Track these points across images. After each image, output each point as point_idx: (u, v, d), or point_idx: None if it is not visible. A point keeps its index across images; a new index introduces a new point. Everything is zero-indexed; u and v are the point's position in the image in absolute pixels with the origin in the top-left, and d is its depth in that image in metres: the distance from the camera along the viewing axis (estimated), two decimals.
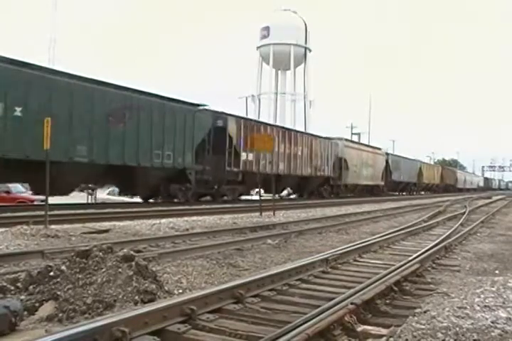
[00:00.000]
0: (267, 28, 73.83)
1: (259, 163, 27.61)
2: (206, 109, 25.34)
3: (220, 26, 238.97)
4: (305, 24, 74.98)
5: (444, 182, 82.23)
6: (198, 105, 24.77)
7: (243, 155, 26.95)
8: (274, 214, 18.64)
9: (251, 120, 30.80)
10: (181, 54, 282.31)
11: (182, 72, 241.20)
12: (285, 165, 31.37)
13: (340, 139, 41.93)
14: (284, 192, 39.83)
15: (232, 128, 26.22)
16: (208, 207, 21.35)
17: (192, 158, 23.37)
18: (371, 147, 50.62)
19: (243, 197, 30.95)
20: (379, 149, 52.83)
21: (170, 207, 19.90)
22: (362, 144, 49.06)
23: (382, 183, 50.73)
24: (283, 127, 34.87)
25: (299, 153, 33.45)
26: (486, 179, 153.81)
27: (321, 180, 38.01)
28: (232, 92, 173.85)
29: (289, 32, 71.80)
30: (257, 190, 31.22)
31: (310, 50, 76.23)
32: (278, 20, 73.33)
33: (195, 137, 23.45)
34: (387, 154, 54.45)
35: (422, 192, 73.12)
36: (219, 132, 25.33)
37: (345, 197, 40.67)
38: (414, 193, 66.35)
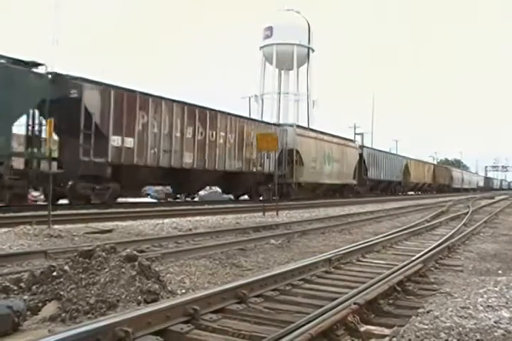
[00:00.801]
0: (270, 28, 73.72)
1: (146, 151, 20.80)
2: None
3: (223, 26, 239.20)
4: (308, 24, 74.86)
5: (437, 181, 75.12)
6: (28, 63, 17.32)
7: (114, 140, 19.48)
8: (277, 214, 18.65)
9: (128, 90, 20.52)
10: (183, 54, 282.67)
11: (184, 72, 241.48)
12: (195, 157, 23.65)
13: (291, 126, 33.35)
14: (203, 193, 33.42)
15: (91, 99, 18.69)
16: (210, 207, 21.36)
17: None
18: (339, 138, 40.73)
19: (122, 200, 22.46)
20: (351, 141, 44.66)
21: (173, 207, 19.91)
22: (325, 134, 37.72)
23: (354, 182, 42.26)
24: (192, 104, 24.26)
25: (221, 140, 25.65)
26: (487, 178, 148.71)
27: (261, 177, 29.45)
28: (235, 92, 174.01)
29: (292, 32, 71.67)
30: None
31: (313, 50, 76.09)
32: (281, 20, 73.21)
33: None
34: (361, 147, 46.67)
35: (411, 193, 66.49)
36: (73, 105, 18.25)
37: (300, 199, 31.22)
38: (400, 194, 57.75)
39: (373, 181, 48.64)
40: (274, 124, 32.42)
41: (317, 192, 37.94)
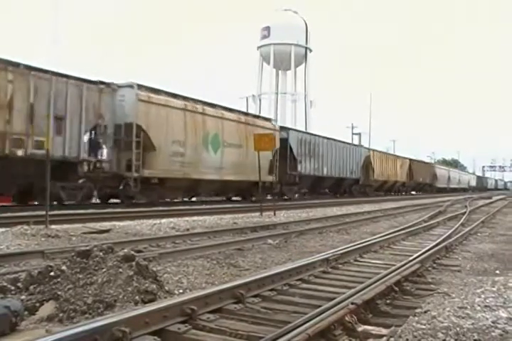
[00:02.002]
0: (268, 28, 73.96)
1: None
2: None
3: (221, 26, 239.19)
4: (306, 24, 75.07)
5: (414, 179, 63.04)
6: None
7: None
8: (274, 214, 18.65)
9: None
10: (180, 54, 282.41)
11: (181, 71, 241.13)
12: None
13: (130, 86, 20.89)
14: None
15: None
16: (208, 207, 21.37)
17: None
18: (240, 113, 29.04)
19: None
20: (265, 120, 31.34)
21: (170, 207, 19.91)
22: (208, 104, 25.65)
23: (271, 179, 28.22)
24: None
25: None
26: (480, 177, 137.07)
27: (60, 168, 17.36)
28: (233, 92, 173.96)
29: (290, 32, 71.92)
30: None
31: (311, 50, 76.33)
32: (279, 21, 73.46)
33: None
34: (285, 129, 33.42)
35: (394, 195, 56.01)
36: None
37: (148, 204, 20.97)
38: (367, 195, 46.15)
39: (309, 178, 35.82)
40: (83, 80, 19.31)
41: (193, 193, 27.16)
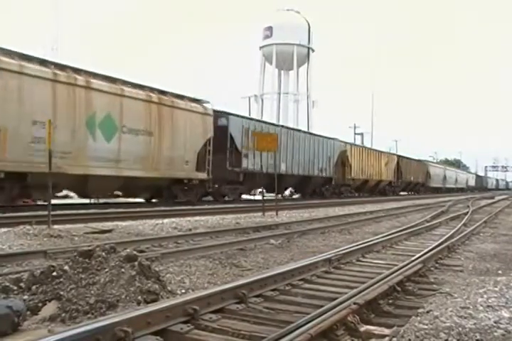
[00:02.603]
0: (270, 28, 73.94)
1: None
2: None
3: (223, 26, 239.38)
4: (308, 24, 75.08)
5: (403, 178, 56.14)
6: None
7: None
8: (276, 214, 18.65)
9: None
10: (183, 53, 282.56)
11: (184, 71, 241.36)
12: None
13: None
14: None
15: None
16: (210, 207, 21.36)
17: None
18: (151, 90, 21.49)
19: None
20: (194, 100, 23.81)
21: (172, 207, 19.92)
22: (97, 75, 19.07)
23: (202, 176, 23.37)
24: None
25: None
26: (479, 177, 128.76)
27: None
28: (235, 92, 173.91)
29: (292, 32, 71.91)
30: None
31: (313, 50, 76.31)
32: (281, 20, 73.46)
33: None
34: (223, 114, 26.51)
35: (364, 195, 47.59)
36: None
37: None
38: (343, 197, 40.21)
39: (260, 176, 28.19)
40: None
41: (82, 193, 20.44)
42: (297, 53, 72.94)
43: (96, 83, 18.60)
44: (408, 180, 59.03)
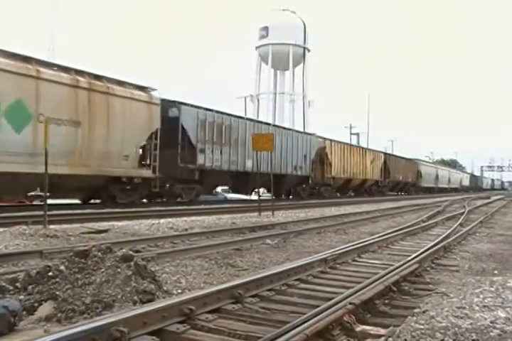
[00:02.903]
0: (266, 28, 73.92)
1: None
2: None
3: (219, 26, 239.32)
4: (304, 24, 75.06)
5: (392, 178, 52.59)
6: None
7: None
8: (272, 214, 18.65)
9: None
10: (178, 53, 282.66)
11: (179, 71, 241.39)
12: None
13: None
14: None
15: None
16: (206, 207, 21.37)
17: None
18: (81, 73, 18.41)
19: None
20: (137, 87, 21.02)
21: (169, 207, 19.91)
22: (8, 55, 15.83)
23: (146, 174, 20.98)
24: None
25: None
26: (474, 177, 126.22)
27: None
28: (231, 92, 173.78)
29: (288, 32, 71.91)
30: None
31: (309, 50, 76.30)
32: (277, 20, 73.42)
33: None
34: (174, 104, 23.76)
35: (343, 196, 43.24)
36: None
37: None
38: (323, 197, 36.65)
39: (220, 174, 26.47)
40: None
41: None
42: (293, 53, 72.90)
43: None
44: (397, 180, 55.64)
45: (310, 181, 35.91)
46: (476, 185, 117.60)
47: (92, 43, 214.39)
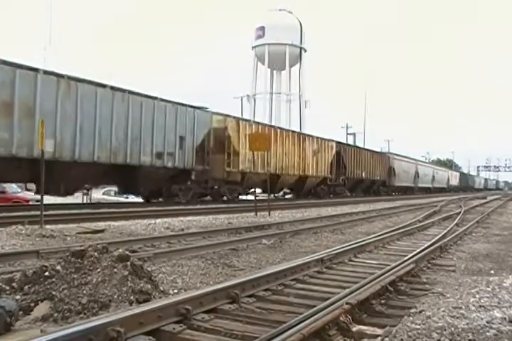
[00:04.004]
0: (262, 28, 73.91)
1: None
2: None
3: (215, 26, 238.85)
4: (300, 24, 75.05)
5: (349, 175, 41.78)
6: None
7: None
8: (269, 214, 18.64)
9: None
10: (175, 53, 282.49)
11: (176, 71, 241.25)
12: None
13: None
14: None
15: None
16: (203, 207, 21.34)
17: None
18: None
19: None
20: None
21: (165, 207, 19.90)
22: None
23: None
24: None
25: None
26: (464, 175, 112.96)
27: None
28: (227, 92, 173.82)
29: (285, 32, 71.88)
30: None
31: (305, 50, 76.30)
32: (273, 20, 73.42)
33: None
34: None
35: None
36: None
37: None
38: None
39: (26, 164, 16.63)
40: None
41: None
42: (289, 53, 72.87)
43: None
44: (358, 177, 44.20)
45: (193, 177, 24.47)
46: (466, 185, 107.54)
47: (91, 43, 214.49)
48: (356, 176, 43.56)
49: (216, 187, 26.41)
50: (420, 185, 65.13)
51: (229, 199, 26.94)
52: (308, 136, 36.17)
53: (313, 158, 35.46)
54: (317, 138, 36.86)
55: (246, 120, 29.98)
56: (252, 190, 26.82)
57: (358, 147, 48.30)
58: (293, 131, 35.15)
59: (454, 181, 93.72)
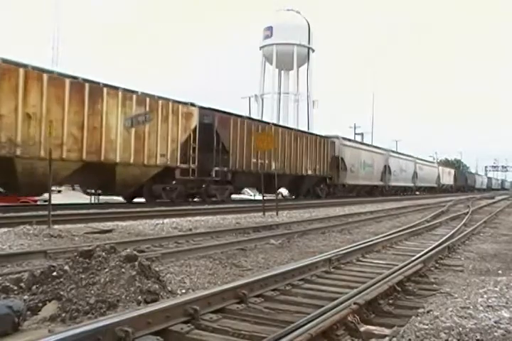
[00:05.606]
0: (270, 28, 73.79)
1: None
2: None
3: (223, 26, 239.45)
4: (308, 24, 74.89)
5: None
6: None
7: None
8: (277, 214, 18.64)
9: None
10: (183, 54, 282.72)
11: (184, 71, 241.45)
12: None
13: None
14: None
15: None
16: (210, 207, 21.34)
17: None
18: None
19: None
20: None
21: (173, 207, 19.91)
22: None
23: None
24: None
25: None
26: (462, 173, 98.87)
27: None
28: (235, 92, 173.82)
29: (292, 32, 71.72)
30: None
31: (313, 50, 76.13)
32: (281, 20, 73.27)
33: None
34: None
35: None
36: None
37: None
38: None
39: None
40: None
41: None
42: (297, 53, 72.74)
43: None
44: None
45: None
46: (464, 184, 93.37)
47: (102, 43, 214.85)
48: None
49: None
50: (394, 183, 49.60)
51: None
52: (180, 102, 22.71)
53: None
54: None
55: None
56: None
57: (283, 126, 33.13)
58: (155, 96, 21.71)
59: (448, 180, 79.76)
